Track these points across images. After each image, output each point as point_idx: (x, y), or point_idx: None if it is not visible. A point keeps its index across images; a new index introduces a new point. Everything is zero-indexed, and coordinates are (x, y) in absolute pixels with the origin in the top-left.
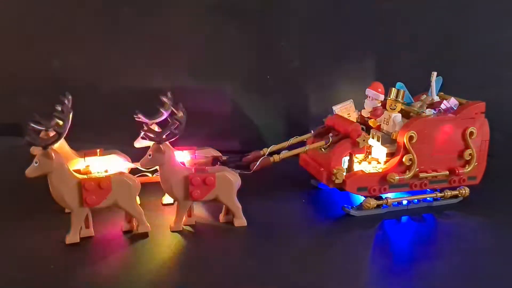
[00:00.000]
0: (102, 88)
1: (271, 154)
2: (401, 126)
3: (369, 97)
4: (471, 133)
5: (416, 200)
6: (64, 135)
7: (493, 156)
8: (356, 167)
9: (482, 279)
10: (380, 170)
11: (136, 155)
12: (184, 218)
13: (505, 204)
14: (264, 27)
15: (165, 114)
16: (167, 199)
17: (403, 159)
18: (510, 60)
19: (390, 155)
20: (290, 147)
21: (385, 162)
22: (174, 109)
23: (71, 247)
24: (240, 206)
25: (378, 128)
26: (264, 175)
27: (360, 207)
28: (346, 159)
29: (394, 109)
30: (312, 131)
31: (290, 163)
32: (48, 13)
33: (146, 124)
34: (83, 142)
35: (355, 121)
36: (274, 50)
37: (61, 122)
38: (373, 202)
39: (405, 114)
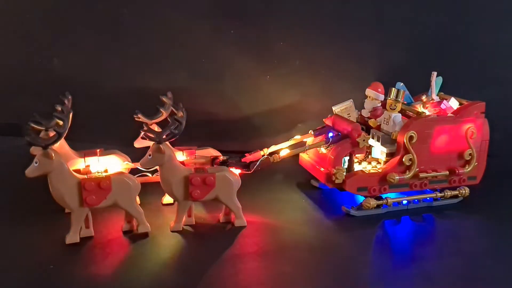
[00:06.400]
0: (102, 88)
1: (271, 154)
2: (401, 126)
3: (369, 97)
4: (471, 133)
5: (416, 200)
6: (64, 135)
7: (493, 156)
8: (356, 167)
9: (482, 279)
10: (380, 170)
11: (136, 155)
12: (184, 218)
13: (505, 204)
14: (264, 27)
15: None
16: (167, 199)
17: (403, 159)
18: (510, 60)
19: (390, 155)
20: (290, 147)
21: (385, 162)
22: (174, 109)
23: (71, 247)
24: (240, 206)
25: (378, 128)
26: (264, 175)
27: (360, 207)
28: (346, 159)
29: (394, 109)
30: (312, 131)
31: (290, 163)
32: (48, 13)
33: (146, 124)
34: (83, 142)
35: (355, 121)
36: (273, 50)
37: (61, 122)
38: (373, 202)
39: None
